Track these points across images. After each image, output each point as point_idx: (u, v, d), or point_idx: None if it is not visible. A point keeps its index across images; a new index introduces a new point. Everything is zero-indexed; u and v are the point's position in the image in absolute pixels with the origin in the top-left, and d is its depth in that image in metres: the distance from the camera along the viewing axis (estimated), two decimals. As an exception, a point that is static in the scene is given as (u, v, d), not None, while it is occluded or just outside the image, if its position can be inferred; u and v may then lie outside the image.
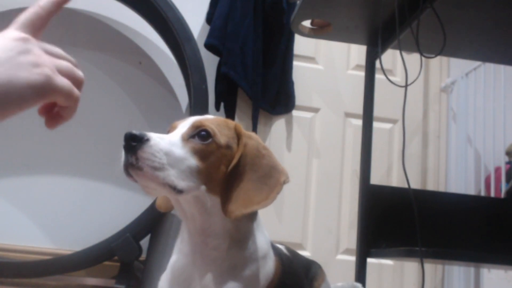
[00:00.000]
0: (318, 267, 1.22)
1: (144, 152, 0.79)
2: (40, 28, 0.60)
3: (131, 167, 0.80)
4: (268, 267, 0.92)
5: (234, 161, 0.88)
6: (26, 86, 0.53)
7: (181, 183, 0.82)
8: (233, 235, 0.89)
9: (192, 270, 0.90)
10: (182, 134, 0.87)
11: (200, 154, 0.85)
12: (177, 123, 0.92)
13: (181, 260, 0.92)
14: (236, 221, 0.89)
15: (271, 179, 0.90)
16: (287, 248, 1.11)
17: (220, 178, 0.88)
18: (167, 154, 0.81)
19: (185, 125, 0.89)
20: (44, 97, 0.56)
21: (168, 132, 0.91)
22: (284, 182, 0.91)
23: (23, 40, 0.56)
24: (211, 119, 0.91)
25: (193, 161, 0.84)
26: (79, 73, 0.62)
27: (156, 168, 0.80)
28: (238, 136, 0.92)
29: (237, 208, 0.85)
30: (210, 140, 0.86)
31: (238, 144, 0.91)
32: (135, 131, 0.80)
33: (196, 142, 0.86)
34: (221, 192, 0.87)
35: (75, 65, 0.62)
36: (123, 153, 0.81)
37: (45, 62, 0.56)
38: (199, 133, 0.86)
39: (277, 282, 0.92)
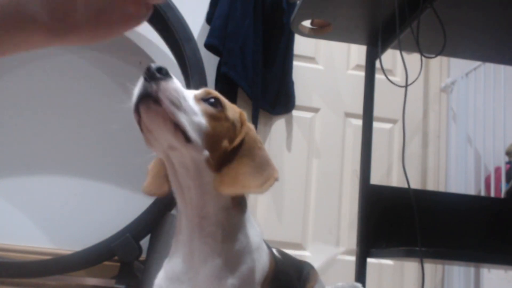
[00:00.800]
0: (311, 267, 1.21)
1: (168, 84, 0.78)
2: None
3: (146, 99, 0.78)
4: (262, 260, 0.93)
5: (237, 141, 0.89)
6: None
7: (192, 133, 0.81)
8: (224, 225, 0.89)
9: (189, 264, 0.90)
10: (195, 94, 0.88)
11: (210, 117, 0.85)
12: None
13: (178, 254, 0.91)
14: (227, 210, 0.89)
15: (265, 171, 0.90)
16: (278, 251, 1.11)
17: (221, 152, 0.87)
18: (185, 99, 0.81)
19: (197, 90, 0.90)
20: None
21: None
22: (276, 179, 0.91)
23: None
24: (223, 99, 0.93)
25: (203, 120, 0.84)
26: None
27: (174, 105, 0.78)
28: (242, 122, 0.93)
29: (229, 185, 0.85)
30: (220, 108, 0.88)
31: (241, 128, 0.92)
32: (159, 65, 0.79)
33: (207, 106, 0.86)
34: (218, 167, 0.87)
35: None
36: (139, 83, 0.79)
37: None
38: (210, 99, 0.87)
39: (272, 277, 0.92)
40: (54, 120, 2.64)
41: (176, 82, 0.79)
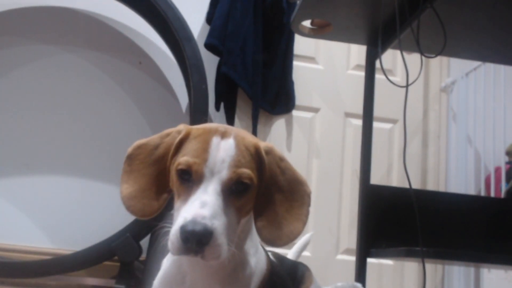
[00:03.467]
0: (306, 269, 1.20)
1: (211, 248, 0.76)
2: None
3: (194, 255, 0.77)
4: (261, 263, 0.93)
5: (262, 189, 0.86)
6: None
7: (227, 253, 0.79)
8: (240, 235, 0.88)
9: (191, 266, 0.89)
10: (223, 190, 0.81)
11: (240, 204, 0.83)
12: (199, 163, 0.82)
13: (180, 257, 0.90)
14: (243, 222, 0.87)
15: (297, 194, 0.89)
16: (272, 253, 1.10)
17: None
18: (225, 233, 0.78)
19: (215, 170, 0.81)
20: None
21: (182, 138, 0.87)
22: (310, 194, 0.90)
23: None
24: (237, 152, 0.84)
25: (235, 216, 0.82)
26: None
27: (220, 256, 0.77)
28: (260, 158, 0.87)
29: (283, 238, 0.85)
30: (249, 189, 0.83)
31: (261, 165, 0.87)
32: (197, 229, 0.75)
33: (236, 196, 0.82)
34: (254, 215, 0.86)
35: None
36: (178, 238, 0.77)
37: None
38: (238, 185, 0.82)
39: (267, 280, 0.92)
40: (54, 119, 2.64)
41: (216, 233, 0.76)
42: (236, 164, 0.82)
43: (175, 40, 2.35)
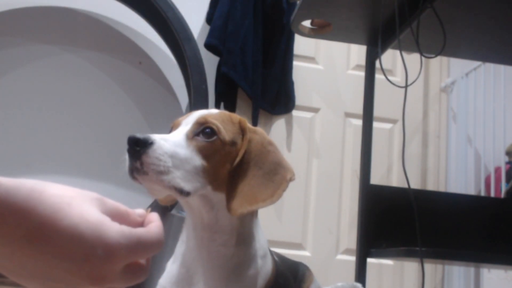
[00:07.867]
0: (306, 268, 1.20)
1: (149, 157, 0.78)
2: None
3: (136, 171, 0.79)
4: (267, 266, 0.93)
5: (238, 158, 0.87)
6: None
7: (187, 185, 0.80)
8: (239, 231, 0.89)
9: (196, 266, 0.90)
10: (187, 132, 0.85)
11: (205, 152, 0.84)
12: (180, 120, 0.90)
13: (186, 255, 0.91)
14: (241, 217, 0.88)
15: (276, 176, 0.89)
16: (275, 253, 1.10)
17: (225, 175, 0.86)
18: (172, 156, 0.80)
19: (188, 121, 0.87)
20: None
21: (171, 128, 0.90)
22: (290, 180, 0.90)
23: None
24: (215, 114, 0.89)
25: (198, 161, 0.83)
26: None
27: (161, 172, 0.78)
28: (243, 131, 0.90)
29: (242, 205, 0.84)
30: (215, 137, 0.85)
31: (242, 139, 0.89)
32: (138, 135, 0.78)
33: (201, 140, 0.84)
34: (226, 189, 0.86)
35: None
36: (127, 156, 0.79)
37: None
38: (204, 131, 0.85)
39: (273, 282, 0.93)
40: (54, 119, 2.64)
41: (157, 145, 0.78)
42: (209, 115, 0.88)
43: (175, 40, 2.35)
